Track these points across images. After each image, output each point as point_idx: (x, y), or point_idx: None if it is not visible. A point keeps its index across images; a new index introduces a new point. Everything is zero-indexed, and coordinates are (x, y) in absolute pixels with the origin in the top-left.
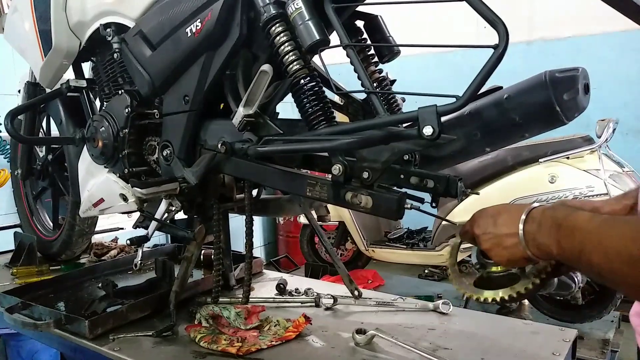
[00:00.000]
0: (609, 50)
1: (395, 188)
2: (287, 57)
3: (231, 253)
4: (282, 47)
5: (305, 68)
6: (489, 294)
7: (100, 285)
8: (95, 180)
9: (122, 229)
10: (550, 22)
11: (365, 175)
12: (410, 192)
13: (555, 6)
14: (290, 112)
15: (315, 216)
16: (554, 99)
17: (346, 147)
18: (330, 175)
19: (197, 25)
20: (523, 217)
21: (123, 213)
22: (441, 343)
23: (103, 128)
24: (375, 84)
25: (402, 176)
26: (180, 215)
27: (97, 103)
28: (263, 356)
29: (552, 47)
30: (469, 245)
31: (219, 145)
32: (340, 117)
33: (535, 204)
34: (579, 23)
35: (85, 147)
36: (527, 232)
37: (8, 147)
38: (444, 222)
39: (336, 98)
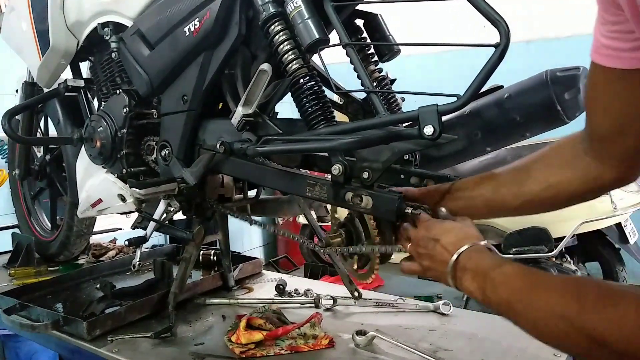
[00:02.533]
0: None
1: (395, 188)
2: (286, 56)
3: (230, 254)
4: (281, 46)
5: (305, 67)
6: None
7: (98, 286)
8: (94, 181)
9: (121, 229)
10: (550, 21)
11: (366, 175)
12: None
13: (554, 5)
14: (289, 112)
15: (314, 216)
16: (555, 98)
17: (346, 146)
18: (329, 176)
19: (195, 25)
20: (454, 258)
21: (121, 213)
22: (442, 344)
23: (101, 128)
24: (375, 83)
25: (402, 176)
26: (179, 216)
27: (95, 103)
28: (264, 359)
29: (551, 47)
30: None
31: (218, 145)
32: (340, 116)
33: (475, 242)
34: (579, 22)
35: (83, 147)
36: (456, 271)
37: (5, 147)
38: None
39: (336, 97)
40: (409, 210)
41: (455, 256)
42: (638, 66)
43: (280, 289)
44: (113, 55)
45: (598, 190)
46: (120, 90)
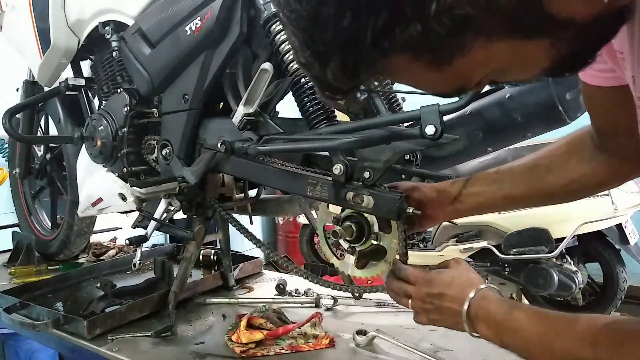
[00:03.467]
0: None
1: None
2: (287, 55)
3: (230, 253)
4: (283, 45)
5: None
6: (365, 273)
7: (98, 285)
8: (94, 180)
9: (121, 228)
10: None
11: (367, 175)
12: None
13: None
14: (289, 112)
15: (315, 216)
16: (557, 99)
17: (347, 146)
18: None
19: (196, 24)
20: (465, 309)
21: (122, 212)
22: (442, 344)
23: (102, 127)
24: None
25: (403, 176)
26: (179, 215)
27: (96, 102)
28: (265, 358)
29: None
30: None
31: (219, 145)
32: (341, 116)
33: (478, 287)
34: None
35: (83, 146)
36: (469, 320)
37: (6, 146)
38: (444, 223)
39: None
40: (410, 210)
41: (465, 307)
42: (616, 84)
43: (281, 288)
44: (114, 54)
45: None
46: (121, 89)
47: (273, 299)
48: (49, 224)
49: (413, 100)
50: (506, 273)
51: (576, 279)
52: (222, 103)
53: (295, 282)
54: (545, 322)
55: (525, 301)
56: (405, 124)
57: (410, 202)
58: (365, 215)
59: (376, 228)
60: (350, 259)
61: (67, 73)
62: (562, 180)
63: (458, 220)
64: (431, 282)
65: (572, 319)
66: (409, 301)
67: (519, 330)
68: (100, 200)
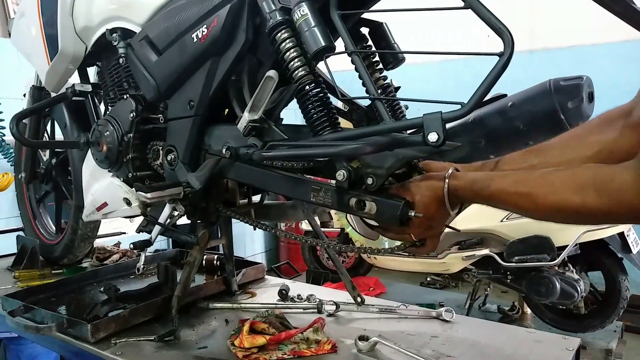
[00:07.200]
0: (611, 60)
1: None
2: (292, 63)
3: (233, 258)
4: (288, 53)
5: (311, 74)
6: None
7: (102, 289)
8: (99, 184)
9: (125, 233)
10: (552, 31)
11: (370, 181)
12: None
13: (557, 16)
14: (293, 119)
15: (318, 222)
16: (559, 107)
17: (351, 152)
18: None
19: (203, 31)
20: (446, 189)
21: (126, 217)
22: (444, 351)
23: (108, 132)
24: (379, 91)
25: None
26: (183, 220)
27: (102, 107)
28: None
29: (554, 56)
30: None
31: (224, 150)
32: (344, 123)
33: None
34: (581, 33)
35: (89, 151)
36: (450, 188)
37: (12, 150)
38: (446, 229)
39: (340, 104)
40: (413, 214)
41: (445, 189)
42: None
43: (283, 294)
44: (121, 60)
45: None
46: (128, 95)
47: (275, 304)
48: (54, 228)
49: (416, 108)
50: (508, 281)
51: (578, 287)
52: (227, 109)
53: (298, 288)
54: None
55: (528, 310)
56: (408, 131)
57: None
58: None
59: None
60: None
61: (74, 79)
62: (596, 146)
63: (460, 228)
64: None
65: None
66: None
67: (505, 177)
68: (105, 204)
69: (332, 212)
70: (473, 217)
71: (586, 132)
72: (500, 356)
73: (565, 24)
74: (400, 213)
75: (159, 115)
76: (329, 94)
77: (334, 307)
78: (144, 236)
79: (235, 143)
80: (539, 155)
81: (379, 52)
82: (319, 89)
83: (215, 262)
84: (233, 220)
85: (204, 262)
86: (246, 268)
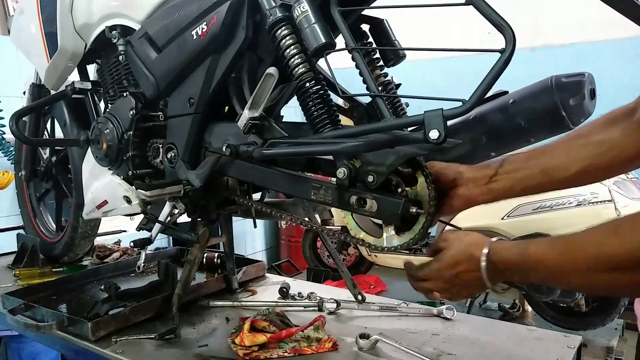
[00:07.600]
0: (613, 57)
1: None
2: (292, 60)
3: (234, 256)
4: (288, 50)
5: (311, 71)
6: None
7: (102, 287)
8: (99, 182)
9: (125, 231)
10: (553, 28)
11: (370, 178)
12: None
13: (558, 13)
14: (293, 117)
15: (318, 220)
16: (560, 104)
17: (352, 150)
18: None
19: (202, 28)
20: (484, 273)
21: (126, 215)
22: (445, 348)
23: (107, 130)
24: (380, 88)
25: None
26: (183, 218)
27: (102, 105)
28: None
29: (555, 53)
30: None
31: (224, 148)
32: (344, 120)
33: (484, 250)
34: (583, 30)
35: (89, 149)
36: (491, 279)
37: (12, 148)
38: (447, 227)
39: (341, 102)
40: (414, 210)
41: (484, 272)
42: None
43: (284, 291)
44: (120, 58)
45: None
46: (127, 93)
47: (276, 302)
48: (54, 226)
49: (417, 105)
50: None
51: None
52: (227, 107)
53: (298, 286)
54: (561, 244)
55: (529, 308)
56: (409, 129)
57: (445, 181)
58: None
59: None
60: (389, 231)
61: (74, 76)
62: (601, 147)
63: (461, 225)
64: (440, 271)
65: (587, 230)
66: (437, 294)
67: (539, 263)
68: (105, 202)
69: (333, 209)
70: (474, 215)
71: (591, 132)
72: (501, 354)
73: (567, 21)
74: (401, 211)
75: (159, 113)
76: (329, 91)
77: (334, 305)
78: (144, 234)
79: (235, 141)
80: (544, 156)
81: (380, 48)
82: (319, 86)
83: (215, 260)
84: (233, 218)
85: (204, 260)
86: (247, 266)
